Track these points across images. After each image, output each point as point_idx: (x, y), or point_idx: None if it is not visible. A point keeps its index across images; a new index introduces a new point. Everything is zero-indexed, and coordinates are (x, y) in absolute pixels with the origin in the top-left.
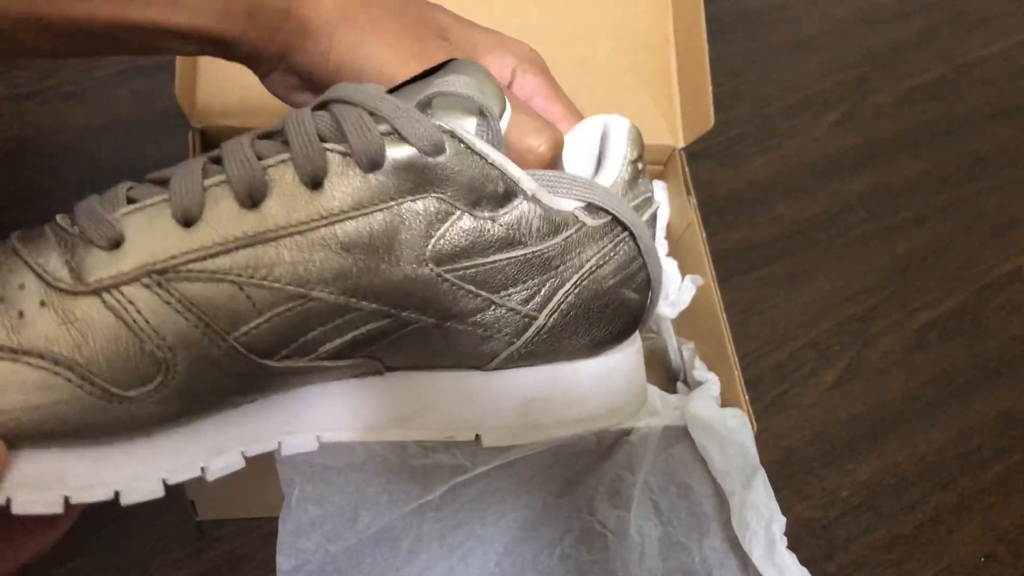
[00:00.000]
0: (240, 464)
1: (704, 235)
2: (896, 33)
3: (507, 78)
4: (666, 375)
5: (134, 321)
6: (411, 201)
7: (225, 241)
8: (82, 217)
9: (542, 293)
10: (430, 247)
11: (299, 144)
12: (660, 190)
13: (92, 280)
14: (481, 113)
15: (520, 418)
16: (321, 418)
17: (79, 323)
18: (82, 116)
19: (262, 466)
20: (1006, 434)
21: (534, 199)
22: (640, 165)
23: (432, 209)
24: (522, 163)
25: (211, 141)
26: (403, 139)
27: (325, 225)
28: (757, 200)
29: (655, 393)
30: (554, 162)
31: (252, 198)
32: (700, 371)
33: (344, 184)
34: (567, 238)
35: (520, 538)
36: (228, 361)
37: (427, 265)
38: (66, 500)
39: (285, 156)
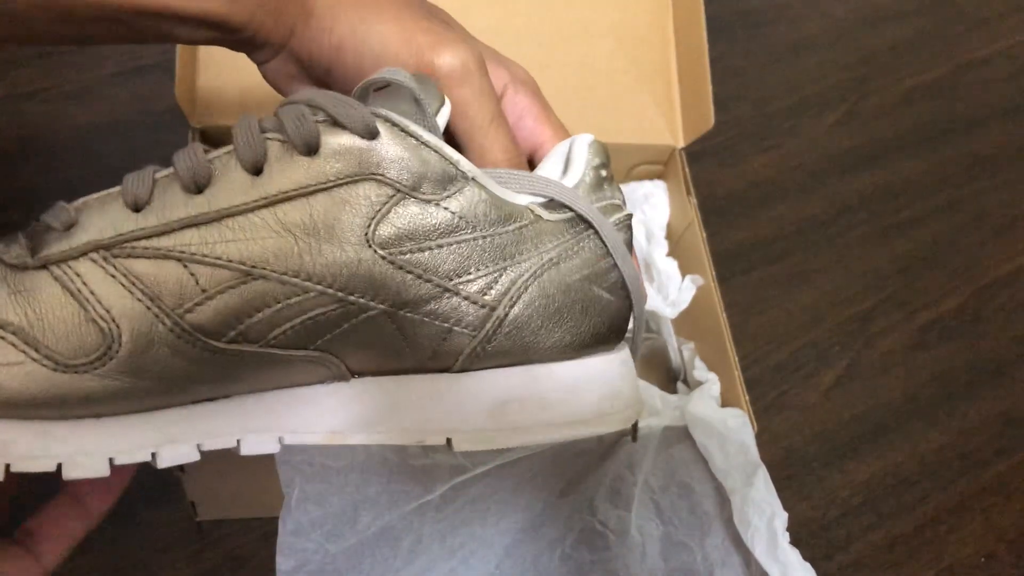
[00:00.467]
0: (195, 456)
1: (704, 235)
2: (896, 33)
3: (498, 92)
4: (666, 375)
5: (79, 291)
6: (351, 184)
7: (170, 222)
8: (47, 211)
9: (499, 283)
10: (373, 229)
11: (242, 137)
12: (660, 190)
13: (43, 255)
14: (416, 101)
15: (494, 421)
16: (284, 420)
17: (27, 292)
18: (82, 116)
19: (262, 466)
20: (1006, 434)
21: (476, 183)
22: (604, 172)
23: (373, 192)
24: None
25: (211, 140)
26: (338, 124)
27: (265, 206)
28: (757, 200)
29: (655, 393)
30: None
31: (197, 185)
32: (700, 371)
33: (283, 168)
34: (521, 227)
35: (521, 539)
36: (175, 339)
37: (371, 247)
38: (7, 468)
39: (229, 149)
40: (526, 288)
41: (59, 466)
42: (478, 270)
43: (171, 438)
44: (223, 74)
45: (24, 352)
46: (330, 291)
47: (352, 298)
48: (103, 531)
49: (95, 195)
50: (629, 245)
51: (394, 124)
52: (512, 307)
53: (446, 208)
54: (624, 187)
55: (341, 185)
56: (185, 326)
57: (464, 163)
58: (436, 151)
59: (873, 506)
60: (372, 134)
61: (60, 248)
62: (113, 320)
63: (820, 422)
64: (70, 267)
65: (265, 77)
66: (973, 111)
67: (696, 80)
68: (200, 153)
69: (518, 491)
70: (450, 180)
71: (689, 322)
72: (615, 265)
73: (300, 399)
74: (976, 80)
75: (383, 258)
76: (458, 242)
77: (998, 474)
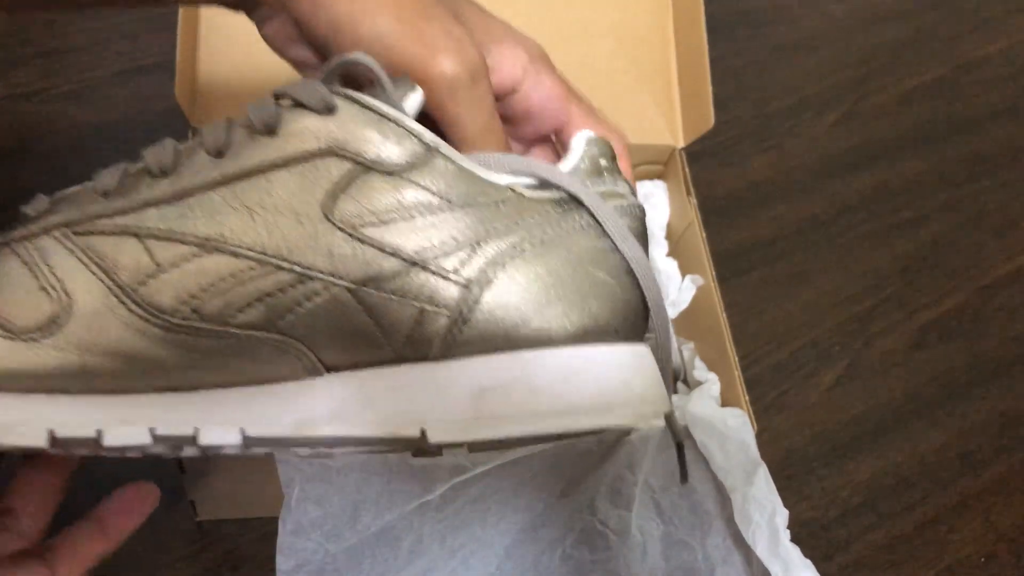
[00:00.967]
0: (146, 439)
1: (704, 235)
2: (896, 33)
3: (518, 75)
4: None
5: (33, 262)
6: (310, 160)
7: (132, 202)
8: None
9: (473, 259)
10: (333, 203)
11: (209, 127)
12: (660, 190)
13: (8, 236)
14: (380, 81)
15: (473, 410)
16: (249, 412)
17: None
18: (82, 116)
19: (262, 466)
20: (1006, 434)
21: (443, 156)
22: (604, 163)
23: (333, 167)
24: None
25: None
26: (297, 103)
27: (224, 183)
28: (757, 200)
29: None
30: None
31: (162, 170)
32: (700, 371)
33: (244, 149)
34: (498, 203)
35: (521, 539)
36: (127, 313)
37: (330, 221)
38: None
39: (198, 139)
40: (503, 265)
41: None
42: (447, 244)
43: (123, 419)
44: (223, 74)
45: None
46: (285, 264)
47: (312, 273)
48: None
49: (71, 189)
50: (639, 235)
51: (353, 100)
52: (489, 285)
53: (411, 180)
54: None
55: (300, 162)
56: (139, 299)
57: (428, 135)
58: (397, 123)
59: (873, 506)
60: (330, 108)
61: (27, 228)
62: (64, 291)
63: (820, 422)
64: (31, 243)
65: (265, 39)
66: (973, 111)
67: (696, 80)
68: (168, 144)
69: (518, 491)
70: (414, 153)
71: (689, 322)
72: (615, 248)
73: (269, 393)
74: (976, 80)
75: (344, 232)
76: (423, 215)
77: (998, 474)
